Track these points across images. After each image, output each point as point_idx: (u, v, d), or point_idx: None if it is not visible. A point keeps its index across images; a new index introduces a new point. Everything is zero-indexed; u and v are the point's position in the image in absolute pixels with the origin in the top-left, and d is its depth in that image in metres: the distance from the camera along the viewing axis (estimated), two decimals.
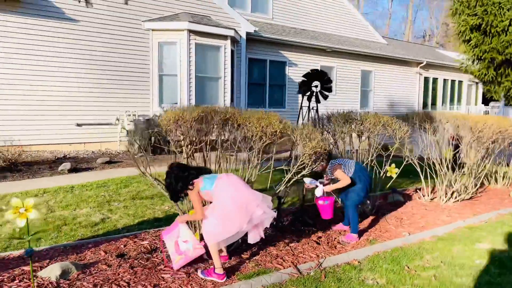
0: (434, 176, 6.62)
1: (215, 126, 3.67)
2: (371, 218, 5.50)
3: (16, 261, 3.59)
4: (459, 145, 6.62)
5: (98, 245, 4.04)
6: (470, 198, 7.04)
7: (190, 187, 3.40)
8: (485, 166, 7.01)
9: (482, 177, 7.21)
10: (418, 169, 6.67)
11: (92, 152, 9.74)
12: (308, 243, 4.37)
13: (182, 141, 3.77)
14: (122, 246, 4.04)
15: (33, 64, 9.17)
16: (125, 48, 10.48)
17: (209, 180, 3.40)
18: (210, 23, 11.12)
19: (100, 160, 8.60)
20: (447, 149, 5.85)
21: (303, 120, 4.84)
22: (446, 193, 6.58)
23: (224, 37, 11.36)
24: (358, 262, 3.96)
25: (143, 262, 3.64)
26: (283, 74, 14.95)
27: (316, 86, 4.86)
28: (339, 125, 5.15)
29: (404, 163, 5.67)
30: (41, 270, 3.35)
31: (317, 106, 4.85)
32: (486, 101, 21.69)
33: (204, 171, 3.55)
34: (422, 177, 6.69)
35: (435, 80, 21.09)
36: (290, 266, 3.76)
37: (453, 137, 6.47)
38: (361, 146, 5.62)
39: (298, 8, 16.43)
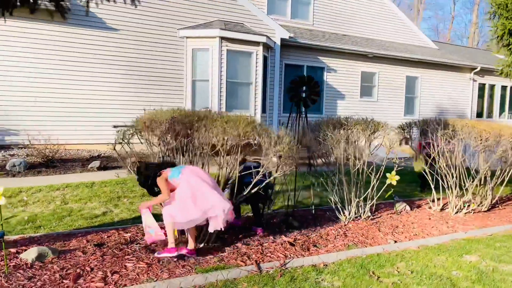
0: (446, 186, 6.37)
1: (182, 129, 3.91)
2: (364, 224, 5.44)
3: (9, 243, 4.05)
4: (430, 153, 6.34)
5: (86, 235, 4.43)
6: (488, 210, 6.68)
7: (158, 178, 3.77)
8: (503, 179, 6.60)
9: (502, 188, 6.80)
10: (429, 178, 6.47)
11: (126, 152, 10.39)
12: (282, 244, 4.45)
13: (157, 141, 4.06)
14: (106, 236, 4.40)
15: (75, 70, 10.00)
16: (161, 55, 11.09)
17: (176, 169, 3.80)
18: (242, 30, 11.43)
19: (129, 160, 9.18)
20: (418, 160, 5.58)
21: (292, 125, 4.94)
22: (457, 204, 6.31)
23: (256, 43, 11.61)
24: (325, 265, 4.00)
25: (115, 252, 3.95)
26: (321, 80, 14.90)
27: (304, 92, 4.92)
28: (328, 130, 5.17)
29: (395, 170, 5.52)
30: (23, 252, 3.78)
31: (306, 112, 4.87)
32: None
33: (168, 164, 3.90)
34: (432, 186, 6.46)
35: (491, 86, 19.84)
36: (253, 264, 3.89)
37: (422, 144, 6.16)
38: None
39: (339, 14, 16.32)
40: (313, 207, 5.44)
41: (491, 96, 20.03)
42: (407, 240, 4.94)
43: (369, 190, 5.45)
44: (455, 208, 6.28)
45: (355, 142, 5.13)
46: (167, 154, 4.26)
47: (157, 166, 3.90)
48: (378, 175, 5.49)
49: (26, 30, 9.39)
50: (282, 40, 13.04)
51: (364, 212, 5.67)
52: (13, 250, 3.84)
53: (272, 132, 4.02)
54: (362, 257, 4.24)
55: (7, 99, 9.32)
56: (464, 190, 6.32)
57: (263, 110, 12.42)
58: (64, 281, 3.29)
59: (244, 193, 4.27)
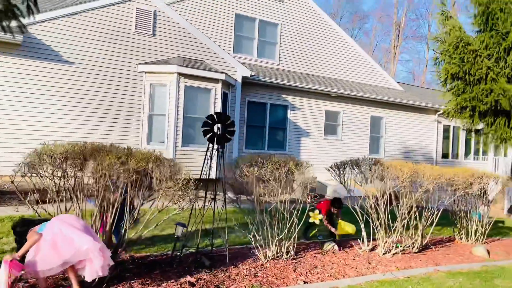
0: (374, 227, 6.37)
1: (73, 163, 3.90)
2: (283, 263, 5.36)
3: None
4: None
5: None
6: (419, 251, 6.66)
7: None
8: (433, 220, 6.64)
9: (431, 231, 6.81)
10: (359, 217, 6.47)
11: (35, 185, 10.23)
12: (182, 284, 4.34)
13: (52, 175, 4.02)
14: None
15: (29, 102, 9.94)
16: (119, 88, 11.15)
17: (44, 223, 3.72)
18: (200, 67, 11.62)
19: (30, 194, 9.02)
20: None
21: (210, 161, 4.93)
22: (385, 245, 6.28)
23: (215, 80, 11.80)
24: None
25: None
26: (285, 117, 15.12)
27: (219, 129, 4.98)
28: (245, 168, 5.18)
29: (309, 208, 5.53)
30: None
31: (223, 148, 4.89)
32: None
33: (44, 221, 3.86)
34: (362, 226, 6.44)
35: (457, 128, 20.31)
36: None
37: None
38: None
39: (305, 54, 16.77)
40: (227, 246, 5.33)
41: (456, 138, 20.46)
42: (319, 281, 4.87)
43: (285, 230, 5.40)
44: (383, 249, 6.25)
45: (267, 180, 5.13)
46: (63, 188, 4.20)
47: (34, 223, 3.85)
48: (297, 214, 5.48)
49: None
50: (244, 78, 13.26)
51: (287, 251, 5.60)
52: None
53: (167, 167, 4.01)
54: None
55: None
56: (392, 231, 6.32)
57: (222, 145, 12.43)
58: None
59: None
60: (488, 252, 7.12)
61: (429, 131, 19.25)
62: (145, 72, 11.42)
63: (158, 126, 11.43)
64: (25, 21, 9.85)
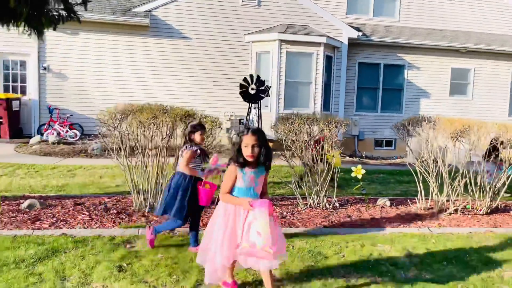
0: (430, 184, 6.19)
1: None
2: (317, 211, 5.78)
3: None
4: None
5: (93, 198, 5.86)
6: (487, 213, 6.18)
7: None
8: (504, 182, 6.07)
9: (502, 192, 6.20)
10: (417, 176, 6.36)
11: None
12: None
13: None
14: (109, 200, 5.77)
15: (155, 74, 11.98)
16: (229, 58, 12.43)
17: None
18: (301, 32, 12.04)
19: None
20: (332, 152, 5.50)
21: (251, 119, 5.37)
22: (439, 202, 6.08)
23: (316, 44, 12.09)
24: None
25: (82, 208, 5.30)
26: (401, 77, 14.46)
27: (253, 89, 5.37)
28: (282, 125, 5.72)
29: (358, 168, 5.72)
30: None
31: (260, 105, 5.22)
32: None
33: None
34: (419, 183, 6.32)
35: None
36: None
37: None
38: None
39: (431, 7, 15.43)
40: None
41: None
42: (340, 228, 5.20)
43: (320, 182, 5.78)
44: (438, 207, 6.07)
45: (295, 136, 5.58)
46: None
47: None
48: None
49: (114, 42, 11.67)
50: (353, 39, 13.17)
51: (329, 202, 6.00)
52: (22, 201, 5.47)
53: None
54: None
55: (109, 97, 11.70)
56: (449, 189, 6.06)
57: (326, 108, 12.77)
58: (28, 220, 4.75)
59: None
60: None
61: None
62: (252, 42, 12.40)
63: None
64: (151, 5, 11.71)
